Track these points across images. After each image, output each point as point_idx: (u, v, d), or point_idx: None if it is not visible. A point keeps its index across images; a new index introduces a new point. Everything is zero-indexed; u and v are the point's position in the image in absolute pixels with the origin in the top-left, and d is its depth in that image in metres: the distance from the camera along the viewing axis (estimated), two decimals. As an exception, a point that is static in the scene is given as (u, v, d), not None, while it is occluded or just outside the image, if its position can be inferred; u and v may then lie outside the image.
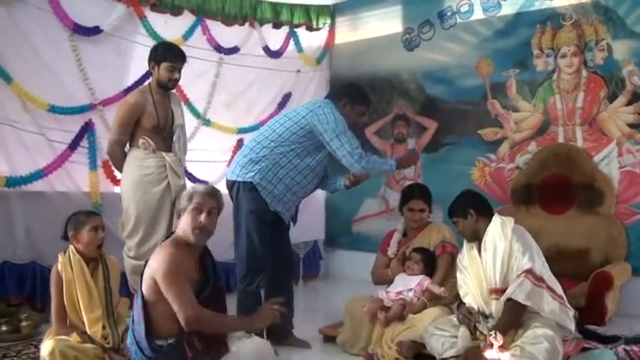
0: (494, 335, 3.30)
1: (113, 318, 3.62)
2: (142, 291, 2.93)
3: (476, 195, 4.04)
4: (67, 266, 3.58)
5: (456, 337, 3.62)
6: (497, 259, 3.59)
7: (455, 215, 3.85)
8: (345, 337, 4.31)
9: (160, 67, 4.44)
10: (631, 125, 5.39)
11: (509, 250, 3.57)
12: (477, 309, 3.67)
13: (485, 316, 3.64)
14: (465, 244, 3.88)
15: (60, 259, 3.62)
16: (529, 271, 3.47)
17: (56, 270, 3.59)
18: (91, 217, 3.72)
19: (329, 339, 4.54)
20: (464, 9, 6.37)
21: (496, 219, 3.73)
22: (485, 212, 3.81)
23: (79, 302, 3.54)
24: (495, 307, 3.58)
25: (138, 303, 2.93)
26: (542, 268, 3.55)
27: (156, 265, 2.87)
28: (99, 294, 3.61)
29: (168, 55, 4.45)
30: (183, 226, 3.00)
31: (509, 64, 6.05)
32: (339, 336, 4.36)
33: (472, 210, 3.78)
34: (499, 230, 3.65)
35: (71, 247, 3.65)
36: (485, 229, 3.71)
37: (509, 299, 3.45)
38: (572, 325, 3.56)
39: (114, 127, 4.53)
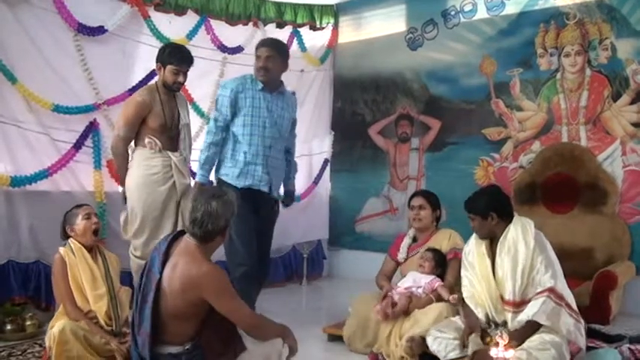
0: (500, 334, 3.30)
1: (116, 300, 3.73)
2: (162, 303, 2.88)
3: (501, 197, 3.81)
4: (69, 253, 3.73)
5: (458, 340, 3.58)
6: (517, 270, 3.50)
7: (474, 212, 3.70)
8: (351, 332, 4.30)
9: (165, 69, 4.43)
10: (635, 124, 5.39)
11: (530, 261, 3.48)
12: (484, 316, 3.61)
13: (497, 325, 3.57)
14: (475, 239, 3.79)
15: (61, 249, 3.76)
16: (551, 290, 3.41)
17: (59, 257, 3.73)
18: (82, 206, 3.91)
19: (333, 338, 4.54)
20: (467, 8, 6.37)
21: (516, 222, 3.62)
22: (507, 216, 3.67)
23: (82, 283, 3.68)
24: (512, 320, 3.51)
25: (146, 329, 2.86)
26: (562, 284, 3.49)
27: (205, 280, 2.82)
28: (101, 275, 3.76)
29: (174, 58, 4.43)
30: (220, 242, 3.03)
31: (513, 63, 6.06)
32: (344, 331, 4.35)
33: (494, 214, 3.64)
34: (520, 235, 3.55)
35: (71, 239, 3.81)
36: (503, 230, 3.62)
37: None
38: (583, 342, 3.50)
39: (120, 124, 4.48)
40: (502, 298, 3.58)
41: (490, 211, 3.64)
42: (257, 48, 4.52)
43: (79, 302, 3.66)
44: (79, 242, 3.78)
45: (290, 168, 4.88)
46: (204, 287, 2.81)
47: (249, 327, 2.95)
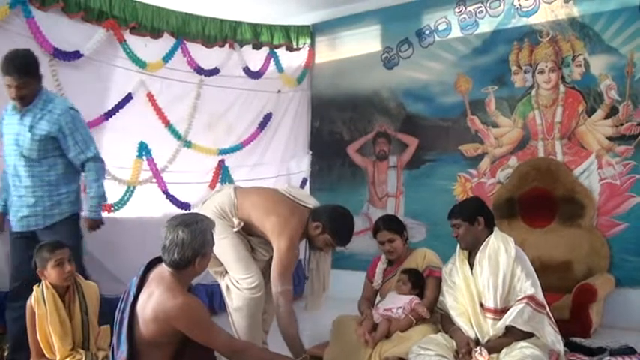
0: (479, 351, 3.28)
1: (90, 352, 3.51)
2: (134, 339, 2.82)
3: (485, 204, 3.85)
4: (40, 301, 3.45)
5: (440, 355, 3.55)
6: (499, 277, 3.47)
7: (460, 217, 3.64)
8: (333, 355, 4.26)
9: None
10: (610, 138, 5.45)
11: (511, 269, 3.46)
12: (473, 334, 3.54)
13: (478, 342, 3.50)
14: (458, 257, 3.74)
15: (34, 292, 3.50)
16: (531, 298, 3.40)
17: (30, 305, 3.49)
18: (55, 251, 3.49)
19: (316, 359, 4.50)
20: (442, 27, 6.44)
21: (497, 233, 3.62)
22: (491, 224, 3.67)
23: (51, 337, 3.43)
24: (492, 328, 3.48)
25: (123, 353, 2.80)
26: (542, 295, 3.47)
27: (179, 313, 2.75)
28: (74, 329, 3.51)
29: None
30: (199, 270, 2.94)
31: (488, 80, 6.12)
32: (325, 355, 4.31)
33: (482, 218, 3.62)
34: (501, 244, 3.54)
35: (44, 280, 3.52)
36: (485, 240, 3.59)
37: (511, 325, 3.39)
38: (562, 351, 3.49)
39: None
40: (482, 305, 3.55)
41: (478, 215, 3.63)
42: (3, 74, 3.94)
43: (47, 354, 3.44)
44: (53, 285, 3.49)
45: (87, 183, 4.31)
46: (178, 320, 2.76)
47: (230, 353, 2.90)
